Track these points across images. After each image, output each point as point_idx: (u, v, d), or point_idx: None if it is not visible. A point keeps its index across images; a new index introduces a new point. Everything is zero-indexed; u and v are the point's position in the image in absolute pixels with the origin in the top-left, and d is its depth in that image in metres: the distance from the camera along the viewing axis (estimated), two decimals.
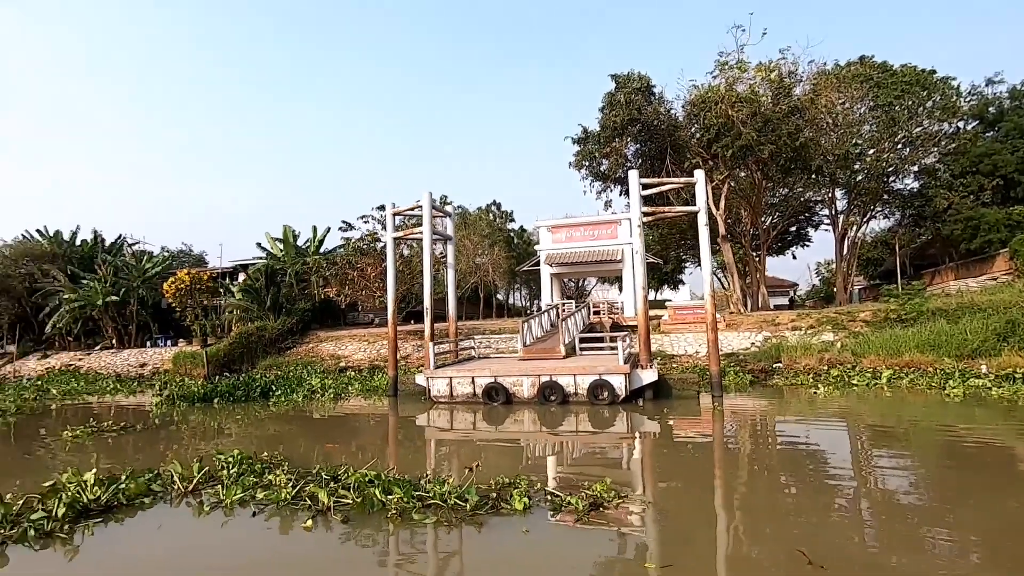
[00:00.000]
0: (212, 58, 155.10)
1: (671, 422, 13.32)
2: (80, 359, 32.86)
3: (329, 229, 35.23)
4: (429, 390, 17.46)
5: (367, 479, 7.21)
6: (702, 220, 17.45)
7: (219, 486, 7.62)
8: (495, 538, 5.87)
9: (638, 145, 28.22)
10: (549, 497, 6.85)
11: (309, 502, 6.81)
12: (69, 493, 7.01)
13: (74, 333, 35.08)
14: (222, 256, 46.83)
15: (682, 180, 18.99)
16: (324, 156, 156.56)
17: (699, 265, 41.60)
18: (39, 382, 28.94)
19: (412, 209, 21.30)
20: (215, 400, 19.02)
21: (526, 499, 6.55)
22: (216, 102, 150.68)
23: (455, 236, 23.52)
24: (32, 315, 36.23)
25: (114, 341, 34.58)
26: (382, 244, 31.28)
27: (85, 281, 34.31)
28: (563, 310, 25.90)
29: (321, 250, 33.70)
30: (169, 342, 33.66)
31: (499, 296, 52.22)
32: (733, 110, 24.95)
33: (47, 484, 7.47)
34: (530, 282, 48.97)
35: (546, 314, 24.03)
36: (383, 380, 21.28)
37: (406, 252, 34.22)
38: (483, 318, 37.88)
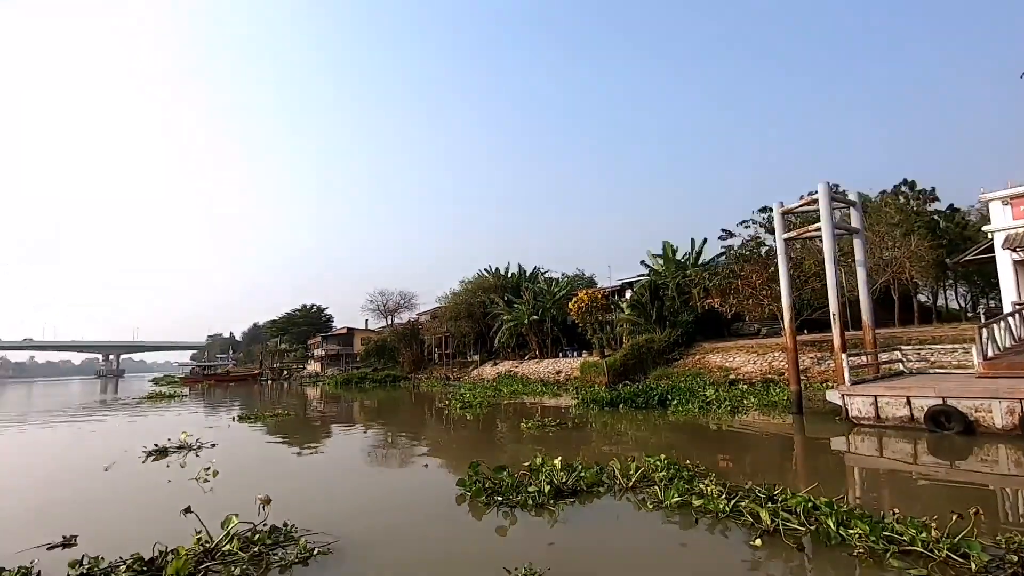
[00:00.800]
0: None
1: None
2: (516, 366, 41.91)
3: (706, 240, 34.96)
4: (846, 409, 15.08)
5: (811, 504, 6.58)
6: None
7: (654, 487, 8.29)
8: None
9: None
10: None
11: (749, 519, 6.63)
12: (544, 473, 8.84)
13: (511, 346, 45.19)
14: (610, 276, 52.70)
15: None
16: (702, 168, 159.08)
17: None
18: (493, 383, 38.26)
19: (804, 205, 19.07)
20: (619, 405, 21.17)
21: None
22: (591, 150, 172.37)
23: (862, 228, 19.75)
24: (485, 332, 48.46)
25: (536, 352, 42.86)
26: (766, 248, 29.13)
27: (516, 305, 43.94)
28: None
29: (700, 261, 33.68)
30: (575, 353, 39.47)
31: (920, 297, 41.32)
32: None
33: (526, 464, 9.58)
34: (971, 276, 36.96)
35: (1016, 316, 17.77)
36: (780, 395, 19.58)
37: (792, 255, 30.83)
38: (900, 324, 30.49)
